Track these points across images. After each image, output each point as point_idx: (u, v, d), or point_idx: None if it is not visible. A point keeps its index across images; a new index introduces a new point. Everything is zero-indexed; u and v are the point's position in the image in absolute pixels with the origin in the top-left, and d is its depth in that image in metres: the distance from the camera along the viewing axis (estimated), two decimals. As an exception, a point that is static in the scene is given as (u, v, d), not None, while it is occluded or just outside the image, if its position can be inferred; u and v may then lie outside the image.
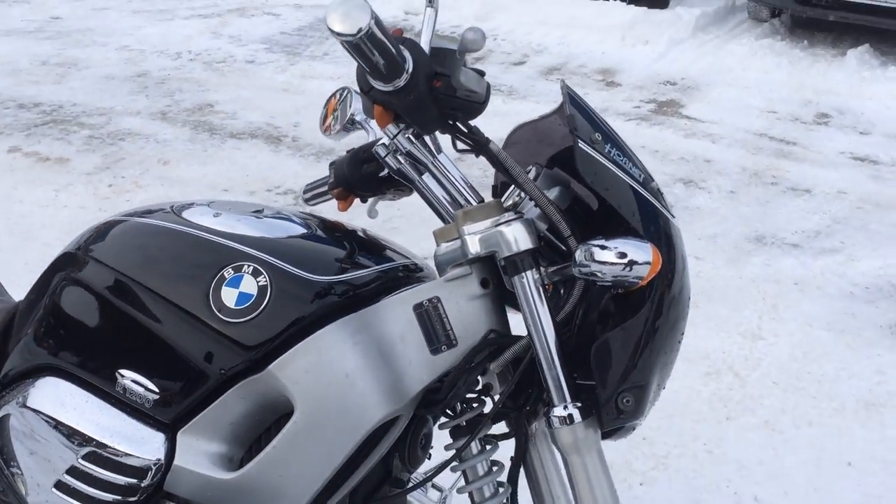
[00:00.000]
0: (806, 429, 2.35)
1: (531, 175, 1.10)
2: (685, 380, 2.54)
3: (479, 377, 1.07)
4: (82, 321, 1.11)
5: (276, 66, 5.66)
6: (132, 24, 6.60)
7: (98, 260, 1.10)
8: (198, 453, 1.03)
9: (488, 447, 1.12)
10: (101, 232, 1.15)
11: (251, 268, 1.01)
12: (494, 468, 1.12)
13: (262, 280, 1.00)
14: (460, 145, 1.06)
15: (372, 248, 1.15)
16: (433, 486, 1.37)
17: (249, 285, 1.00)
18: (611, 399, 0.98)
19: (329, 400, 0.98)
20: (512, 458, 1.12)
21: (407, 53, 0.95)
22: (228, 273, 1.01)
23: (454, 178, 1.09)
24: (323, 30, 6.60)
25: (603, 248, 0.95)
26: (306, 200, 1.37)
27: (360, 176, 1.24)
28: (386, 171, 1.16)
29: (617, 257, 0.94)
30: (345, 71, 5.65)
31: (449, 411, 1.10)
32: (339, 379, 0.98)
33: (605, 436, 1.12)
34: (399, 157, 1.11)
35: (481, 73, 1.02)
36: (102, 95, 5.00)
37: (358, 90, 1.06)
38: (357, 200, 1.31)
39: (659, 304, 1.00)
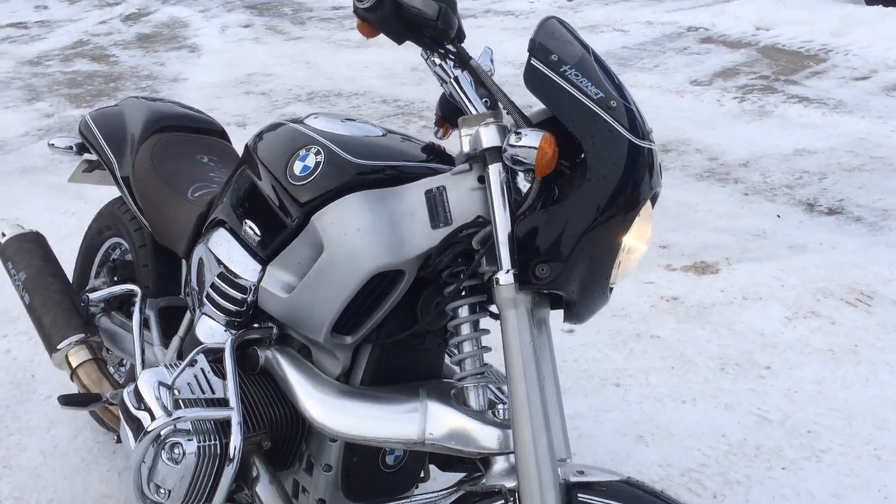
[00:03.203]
0: None
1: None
2: (883, 388, 2.36)
3: (475, 254, 1.33)
4: (240, 191, 1.60)
5: (605, 75, 5.99)
6: (496, 39, 7.44)
7: (253, 149, 1.59)
8: (275, 280, 1.46)
9: (477, 311, 1.37)
10: (265, 129, 1.63)
11: (315, 148, 1.41)
12: (478, 329, 1.37)
13: (319, 157, 1.40)
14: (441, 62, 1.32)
15: (431, 155, 1.47)
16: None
17: (310, 160, 1.41)
18: (527, 265, 1.19)
19: (344, 246, 1.34)
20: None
21: None
22: (302, 151, 1.43)
23: (469, 94, 1.36)
24: (662, 44, 6.78)
25: (517, 134, 1.17)
26: (434, 135, 1.72)
27: (450, 109, 1.56)
28: None
29: (515, 140, 1.16)
30: (667, 80, 5.79)
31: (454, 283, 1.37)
32: (353, 231, 1.33)
33: (567, 319, 1.32)
34: (450, 84, 1.41)
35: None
36: (447, 96, 5.81)
37: None
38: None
39: (586, 201, 1.17)
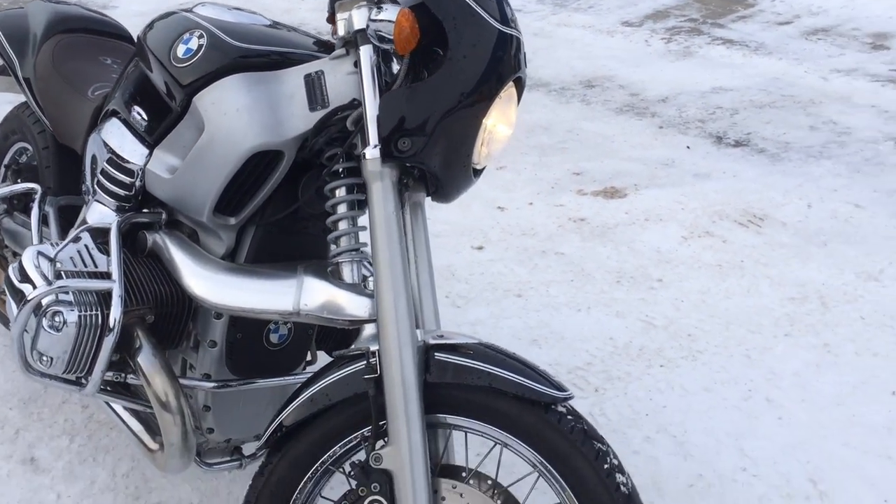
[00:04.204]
0: (868, 357, 2.24)
1: None
2: (763, 298, 2.52)
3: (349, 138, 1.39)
4: (131, 81, 1.63)
5: (538, 15, 6.05)
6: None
7: (143, 38, 1.61)
8: (161, 163, 1.51)
9: (354, 192, 1.43)
10: (156, 19, 1.64)
11: (198, 32, 1.45)
12: (355, 209, 1.44)
13: (202, 41, 1.44)
14: None
15: (316, 46, 1.52)
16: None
17: (193, 43, 1.45)
18: (391, 139, 1.26)
19: (223, 125, 1.39)
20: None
21: None
22: (186, 35, 1.46)
23: None
24: (598, -15, 6.83)
25: (378, 9, 1.24)
26: (331, 34, 1.76)
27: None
28: None
29: (375, 14, 1.23)
30: (599, 20, 5.86)
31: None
32: (232, 111, 1.38)
33: (434, 198, 1.40)
34: None
35: None
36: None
37: None
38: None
39: (445, 80, 1.24)
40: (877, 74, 4.56)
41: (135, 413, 1.66)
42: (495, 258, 2.83)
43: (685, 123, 4.01)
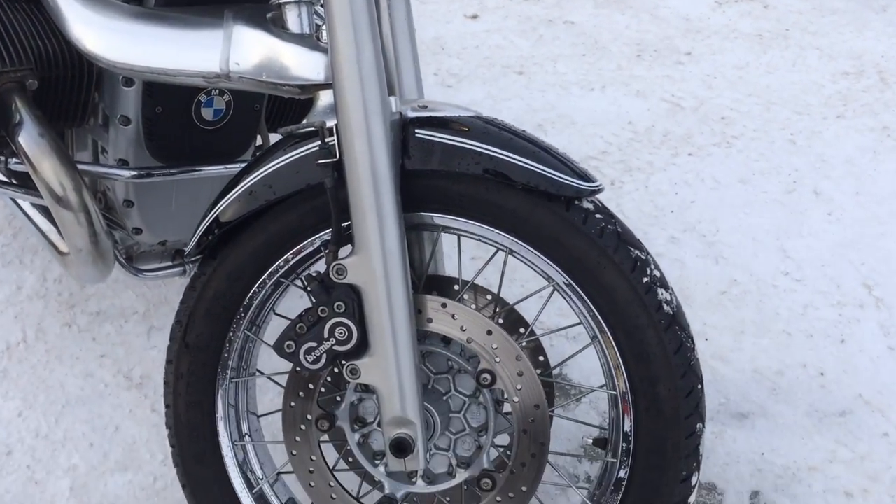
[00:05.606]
0: (934, 142, 1.92)
1: None
2: (810, 73, 2.17)
3: None
4: None
5: None
6: None
7: None
8: None
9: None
10: None
11: None
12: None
13: None
14: None
15: None
16: None
17: None
18: None
19: None
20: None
21: None
22: None
23: None
24: None
25: None
26: None
27: None
28: None
29: None
30: None
31: None
32: None
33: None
34: None
35: None
36: None
37: None
38: None
39: None
40: None
41: (45, 209, 1.33)
42: (492, 29, 2.45)
43: None
